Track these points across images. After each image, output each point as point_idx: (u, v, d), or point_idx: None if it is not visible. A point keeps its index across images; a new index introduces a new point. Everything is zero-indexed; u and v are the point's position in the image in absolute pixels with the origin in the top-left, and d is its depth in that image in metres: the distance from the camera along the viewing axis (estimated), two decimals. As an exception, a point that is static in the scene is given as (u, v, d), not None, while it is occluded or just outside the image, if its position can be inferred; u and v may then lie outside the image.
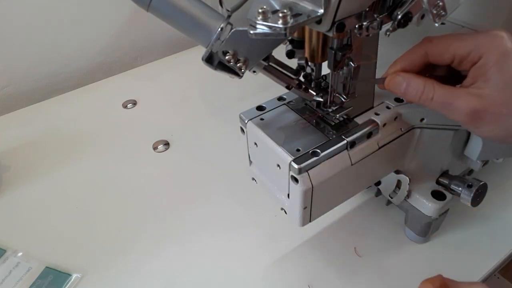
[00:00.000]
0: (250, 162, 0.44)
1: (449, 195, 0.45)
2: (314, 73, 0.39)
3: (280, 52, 0.37)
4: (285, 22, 0.26)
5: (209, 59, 0.33)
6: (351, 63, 0.36)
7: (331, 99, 0.39)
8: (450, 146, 0.45)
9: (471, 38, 0.33)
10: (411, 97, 0.35)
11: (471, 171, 0.53)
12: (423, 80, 0.34)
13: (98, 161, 0.62)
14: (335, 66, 0.36)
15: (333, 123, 0.39)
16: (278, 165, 0.37)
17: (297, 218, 0.39)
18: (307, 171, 0.36)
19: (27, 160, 0.63)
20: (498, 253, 0.47)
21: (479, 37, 0.33)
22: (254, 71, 0.35)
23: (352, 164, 0.38)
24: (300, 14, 0.27)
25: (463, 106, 0.32)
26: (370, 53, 0.38)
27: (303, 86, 0.39)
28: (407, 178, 0.44)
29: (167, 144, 0.64)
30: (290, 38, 0.38)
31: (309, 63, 0.39)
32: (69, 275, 0.47)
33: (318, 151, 0.36)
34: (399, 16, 0.31)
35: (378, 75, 0.40)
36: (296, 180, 0.36)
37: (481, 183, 0.44)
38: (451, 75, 0.36)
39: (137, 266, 0.48)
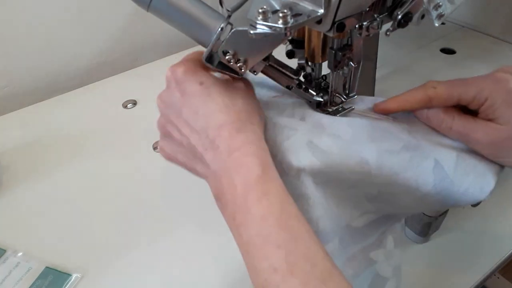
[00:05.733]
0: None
1: (449, 195, 0.45)
2: (314, 73, 0.39)
3: (280, 52, 0.37)
4: (285, 22, 0.26)
5: (209, 59, 0.33)
6: (351, 63, 0.36)
7: (331, 99, 0.39)
8: (450, 146, 0.45)
9: (474, 83, 0.33)
10: (433, 125, 0.35)
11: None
12: (443, 108, 0.34)
13: (98, 161, 0.62)
14: (335, 66, 0.36)
15: (333, 123, 0.39)
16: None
17: None
18: (307, 171, 0.36)
19: (27, 160, 0.63)
20: (498, 253, 0.47)
21: (482, 82, 0.33)
22: (254, 71, 0.35)
23: (352, 164, 0.38)
24: (300, 14, 0.27)
25: (481, 138, 0.33)
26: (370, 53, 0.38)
27: (303, 86, 0.39)
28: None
29: (167, 144, 0.64)
30: (290, 38, 0.38)
31: (309, 63, 0.39)
32: (69, 275, 0.47)
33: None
34: (399, 16, 0.31)
35: (378, 75, 0.40)
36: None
37: (481, 183, 0.44)
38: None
39: (137, 266, 0.48)
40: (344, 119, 0.37)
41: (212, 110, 0.31)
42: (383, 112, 0.37)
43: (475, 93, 0.33)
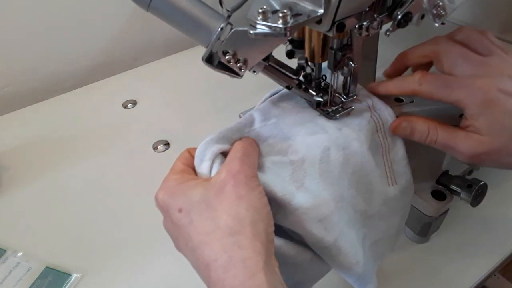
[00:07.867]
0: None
1: (449, 195, 0.45)
2: (314, 73, 0.39)
3: (280, 52, 0.37)
4: (285, 22, 0.26)
5: (209, 59, 0.33)
6: (351, 63, 0.36)
7: (331, 99, 0.39)
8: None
9: (456, 90, 0.34)
10: (418, 139, 0.37)
11: (471, 171, 0.53)
12: (426, 123, 0.36)
13: (98, 161, 0.62)
14: (335, 66, 0.36)
15: (333, 123, 0.39)
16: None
17: None
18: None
19: (27, 160, 0.63)
20: (498, 253, 0.47)
21: (463, 90, 0.34)
22: (254, 71, 0.35)
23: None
24: (300, 14, 0.27)
25: (464, 151, 0.34)
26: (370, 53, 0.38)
27: (303, 86, 0.39)
28: (407, 178, 0.44)
29: (167, 144, 0.64)
30: (290, 38, 0.38)
31: (309, 63, 0.39)
32: (69, 275, 0.47)
33: (318, 151, 0.36)
34: (399, 16, 0.31)
35: (378, 75, 0.40)
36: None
37: (481, 183, 0.44)
38: None
39: (137, 266, 0.48)
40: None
41: (196, 244, 0.29)
42: (373, 92, 0.39)
43: (454, 100, 0.34)
